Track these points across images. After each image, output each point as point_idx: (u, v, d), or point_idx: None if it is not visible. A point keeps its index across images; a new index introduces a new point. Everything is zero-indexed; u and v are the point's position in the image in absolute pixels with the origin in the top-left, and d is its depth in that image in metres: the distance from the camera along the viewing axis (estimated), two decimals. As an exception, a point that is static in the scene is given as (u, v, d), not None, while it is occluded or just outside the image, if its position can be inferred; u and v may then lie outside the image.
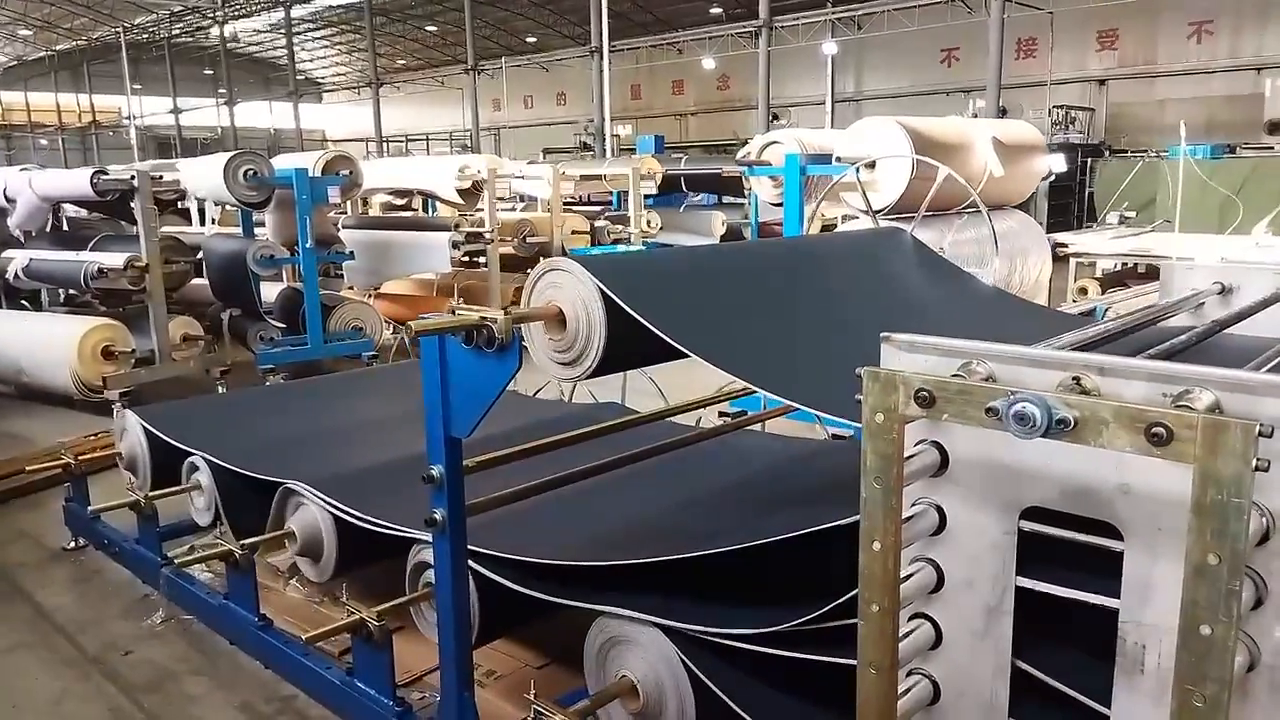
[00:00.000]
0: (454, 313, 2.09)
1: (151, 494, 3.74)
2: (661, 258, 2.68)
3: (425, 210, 10.46)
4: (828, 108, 25.90)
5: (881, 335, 1.56)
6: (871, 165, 5.49)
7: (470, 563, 2.31)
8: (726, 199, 14.09)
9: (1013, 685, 1.54)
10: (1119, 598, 1.39)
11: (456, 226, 7.85)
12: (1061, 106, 21.41)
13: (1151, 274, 8.53)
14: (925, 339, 1.52)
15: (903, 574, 1.52)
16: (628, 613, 2.15)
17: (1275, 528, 1.25)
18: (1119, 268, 8.70)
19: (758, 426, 3.74)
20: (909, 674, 1.63)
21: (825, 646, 1.88)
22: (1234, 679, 1.19)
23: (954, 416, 1.36)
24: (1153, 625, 1.36)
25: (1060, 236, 8.98)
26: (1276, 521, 1.26)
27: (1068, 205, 17.63)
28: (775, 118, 24.23)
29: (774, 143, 6.77)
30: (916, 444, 1.53)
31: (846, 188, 5.70)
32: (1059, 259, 7.82)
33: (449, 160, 8.88)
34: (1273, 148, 15.30)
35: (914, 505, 1.57)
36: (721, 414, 4.89)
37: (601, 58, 20.91)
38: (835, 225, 7.31)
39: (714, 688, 2.00)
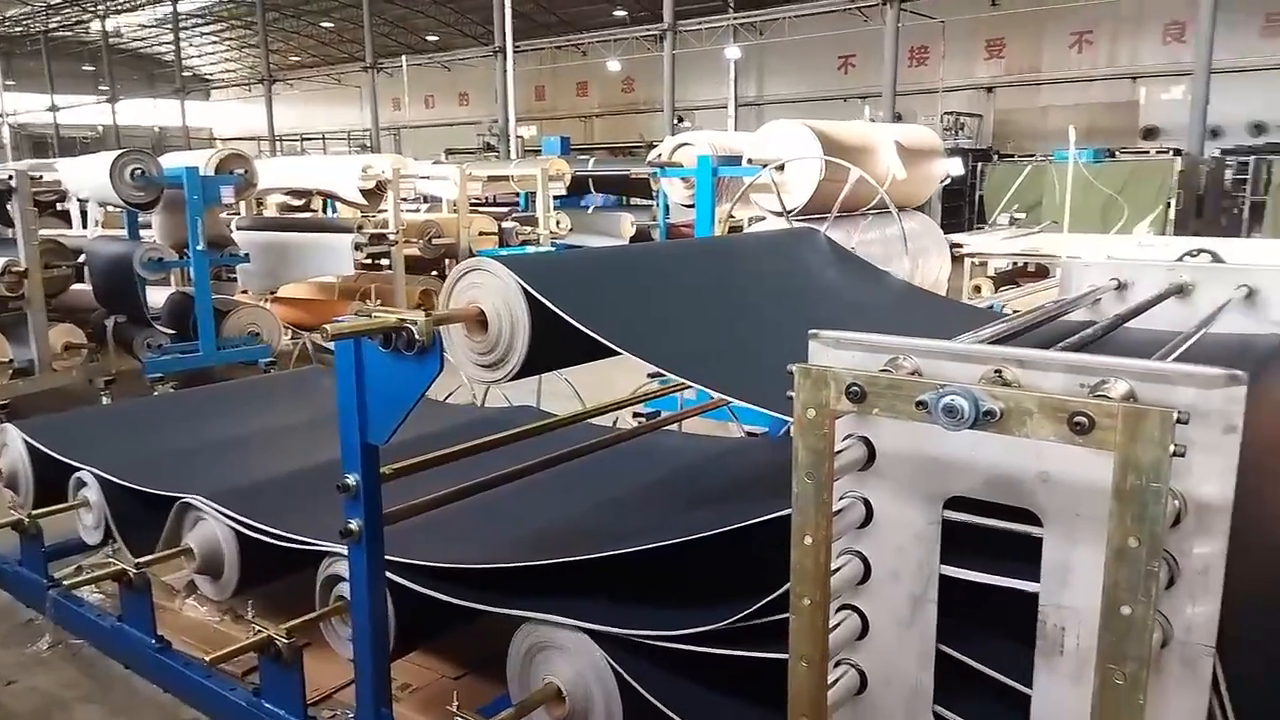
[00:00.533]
0: (371, 315, 2.02)
1: (35, 512, 3.50)
2: (581, 257, 2.66)
3: (324, 211, 10.15)
4: (731, 111, 26.31)
5: (809, 332, 1.57)
6: (781, 167, 5.58)
7: (387, 573, 2.23)
8: (633, 201, 14.16)
9: (938, 671, 1.56)
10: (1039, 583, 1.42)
11: (359, 228, 7.65)
12: (952, 113, 22.29)
13: (1041, 272, 8.94)
14: (852, 335, 1.53)
15: (832, 567, 1.53)
16: (553, 618, 2.11)
17: (1185, 510, 1.31)
18: (1011, 267, 9.08)
19: (674, 426, 3.75)
20: (837, 664, 1.64)
21: (751, 642, 1.88)
22: (1152, 656, 1.23)
23: (884, 410, 1.38)
24: (1071, 608, 1.40)
25: (955, 237, 9.32)
26: (1186, 504, 1.31)
27: (960, 208, 18.35)
28: (680, 120, 24.46)
29: (685, 144, 6.82)
30: (844, 438, 1.55)
31: (758, 189, 5.78)
32: (955, 259, 8.11)
33: (351, 160, 8.65)
34: (1148, 151, 16.30)
35: (842, 499, 1.58)
36: (636, 415, 4.90)
37: (505, 58, 20.71)
38: (742, 226, 7.42)
39: (641, 690, 1.98)
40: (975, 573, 1.50)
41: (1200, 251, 2.70)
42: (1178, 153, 15.97)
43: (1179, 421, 1.14)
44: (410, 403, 1.99)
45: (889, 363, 1.49)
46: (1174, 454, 1.14)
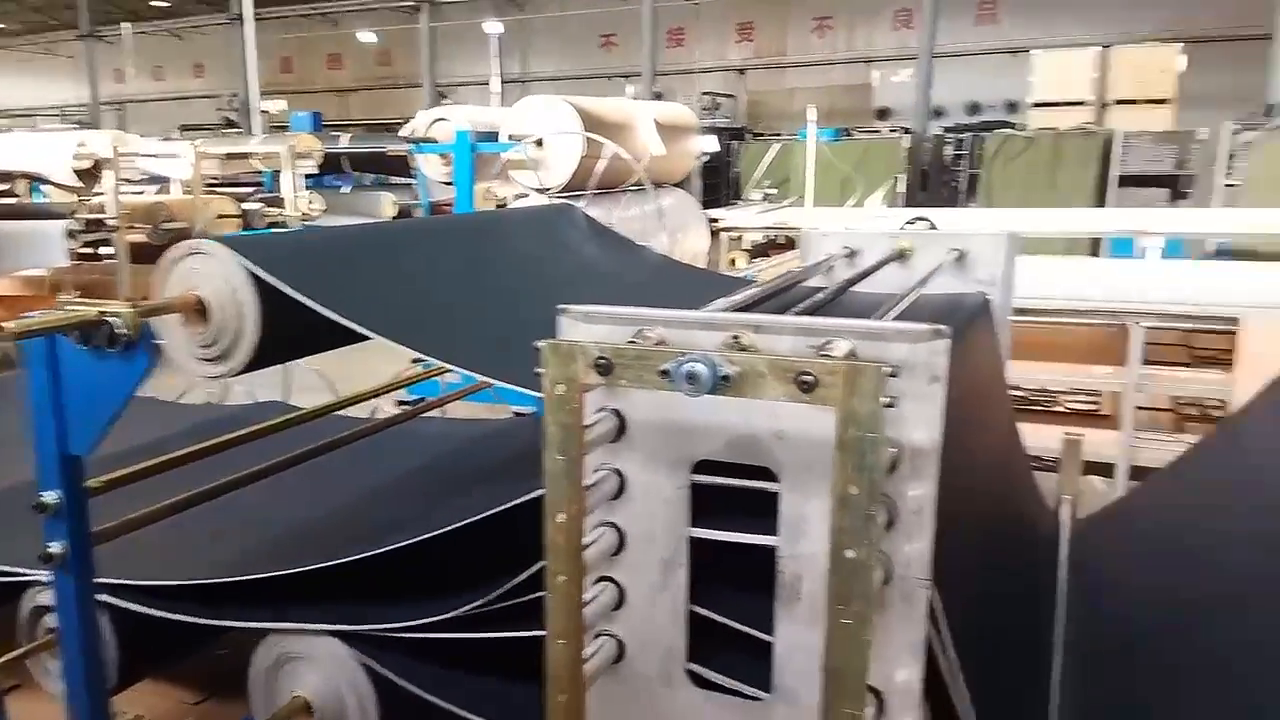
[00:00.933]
0: (64, 308, 1.78)
1: None
2: (322, 235, 2.49)
3: (30, 196, 8.95)
4: (495, 88, 25.88)
5: (557, 307, 1.55)
6: (540, 142, 5.54)
7: (105, 596, 1.99)
8: (396, 180, 13.60)
9: (692, 629, 1.60)
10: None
11: (73, 213, 6.82)
12: (709, 93, 23.18)
13: (790, 244, 9.52)
14: (601, 309, 1.52)
15: (586, 541, 1.52)
16: (298, 626, 1.97)
17: (901, 457, 1.40)
18: (764, 240, 9.61)
19: (438, 412, 3.63)
20: (596, 636, 1.65)
21: (515, 621, 1.85)
22: (875, 595, 1.32)
23: (631, 381, 1.39)
24: (807, 556, 1.48)
25: (712, 213, 9.71)
26: (902, 451, 1.41)
27: (717, 185, 19.14)
28: (443, 97, 23.80)
29: (441, 120, 6.61)
30: (596, 412, 1.54)
31: (517, 166, 5.70)
32: (714, 233, 8.46)
33: (63, 138, 7.70)
34: (880, 131, 17.77)
35: (595, 472, 1.57)
36: (401, 403, 4.70)
37: (245, 25, 19.11)
38: (507, 204, 7.33)
39: (400, 681, 1.90)
40: (720, 532, 1.54)
41: (918, 219, 2.94)
42: (906, 131, 17.51)
43: (890, 375, 1.21)
44: (117, 405, 1.77)
45: (636, 334, 1.50)
46: (886, 405, 1.22)
